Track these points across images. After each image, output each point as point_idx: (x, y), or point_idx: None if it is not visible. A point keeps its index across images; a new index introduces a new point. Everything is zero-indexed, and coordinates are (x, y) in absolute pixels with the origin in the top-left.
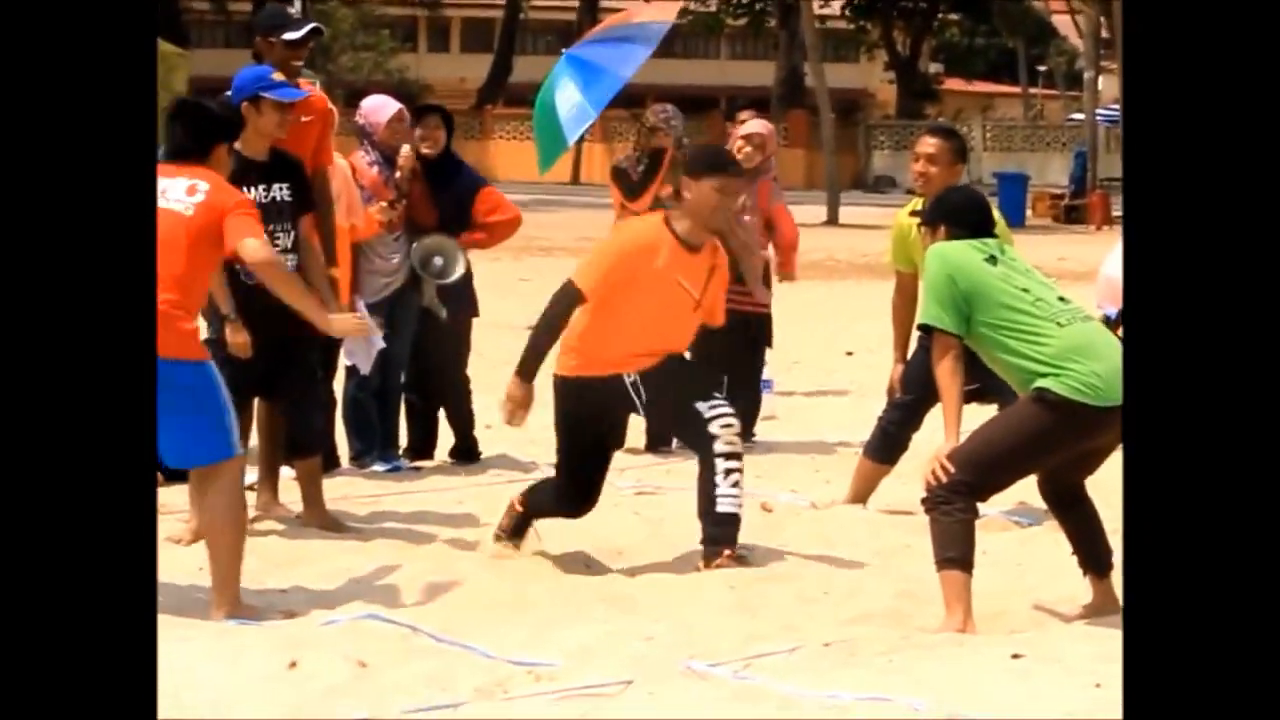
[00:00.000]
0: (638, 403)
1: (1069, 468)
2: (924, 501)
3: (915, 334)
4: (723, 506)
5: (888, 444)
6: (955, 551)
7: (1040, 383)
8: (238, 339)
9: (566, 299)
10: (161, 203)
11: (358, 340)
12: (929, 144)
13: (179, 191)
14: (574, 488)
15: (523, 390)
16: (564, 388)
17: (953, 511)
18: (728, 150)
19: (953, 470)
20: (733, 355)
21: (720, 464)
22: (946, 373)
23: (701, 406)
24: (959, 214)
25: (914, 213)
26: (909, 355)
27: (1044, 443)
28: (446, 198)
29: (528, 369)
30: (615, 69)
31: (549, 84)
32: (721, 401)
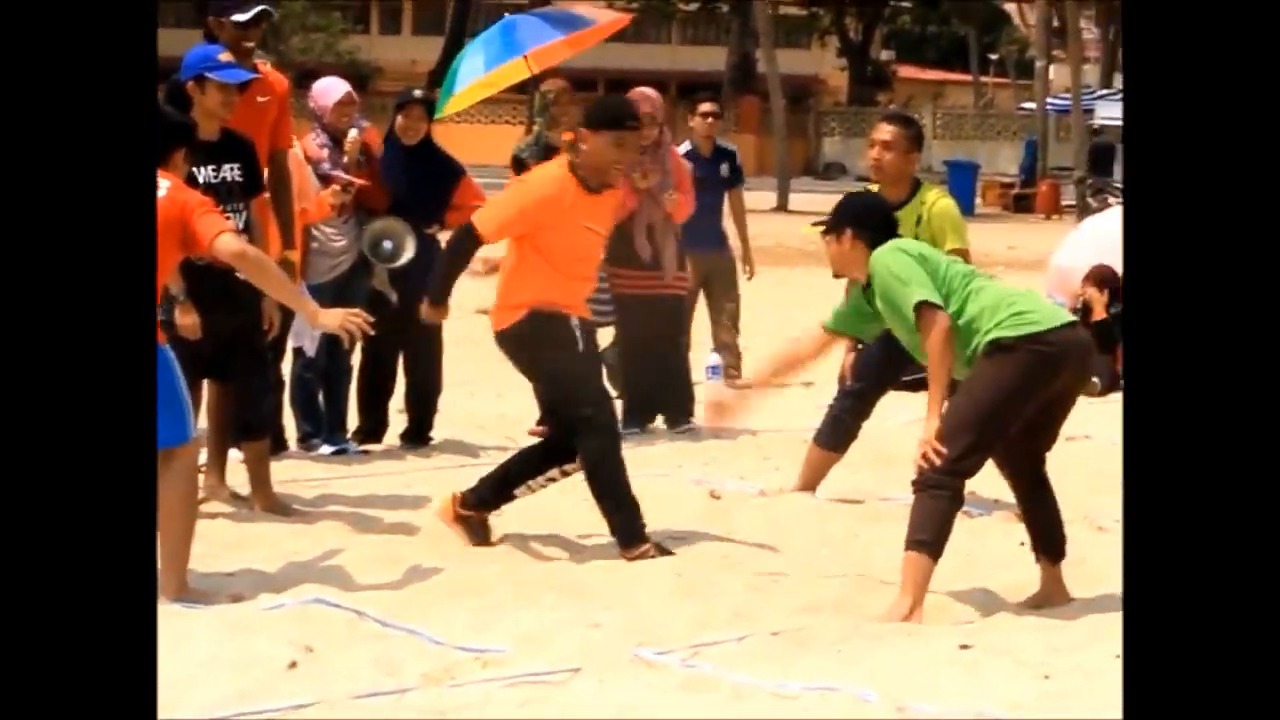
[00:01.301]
0: (580, 341)
1: (1032, 433)
2: (914, 484)
3: None
4: (516, 491)
5: (838, 432)
6: (929, 535)
7: (990, 336)
8: (186, 320)
9: (467, 239)
10: None
11: (302, 321)
12: (886, 131)
13: None
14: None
15: (434, 310)
16: (516, 331)
17: (940, 496)
18: (627, 102)
19: (943, 450)
20: (654, 339)
21: (550, 473)
22: (942, 350)
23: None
24: (863, 216)
25: (816, 223)
26: (859, 344)
27: (1017, 388)
28: (426, 186)
29: (436, 293)
30: (525, 37)
31: (477, 39)
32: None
